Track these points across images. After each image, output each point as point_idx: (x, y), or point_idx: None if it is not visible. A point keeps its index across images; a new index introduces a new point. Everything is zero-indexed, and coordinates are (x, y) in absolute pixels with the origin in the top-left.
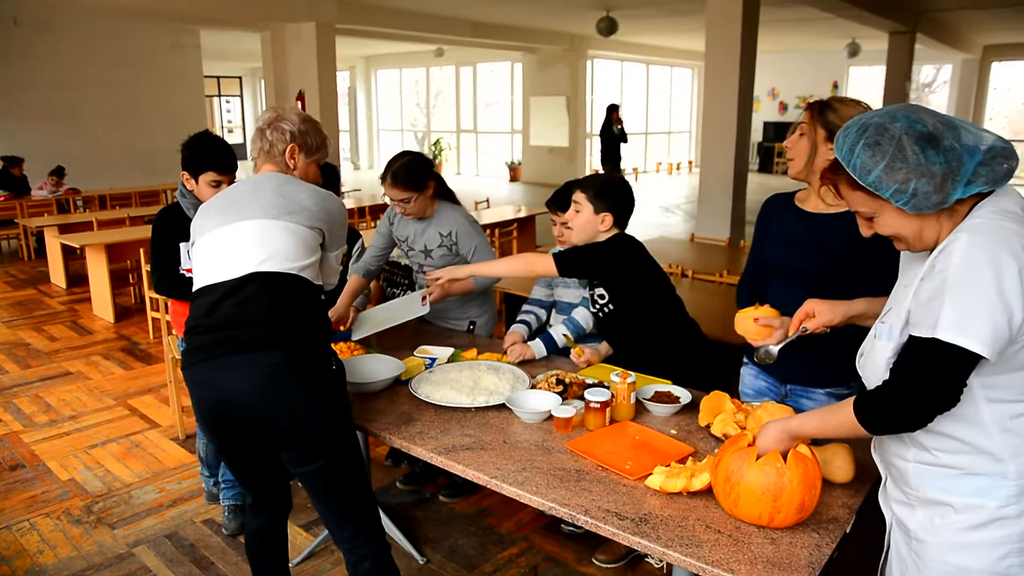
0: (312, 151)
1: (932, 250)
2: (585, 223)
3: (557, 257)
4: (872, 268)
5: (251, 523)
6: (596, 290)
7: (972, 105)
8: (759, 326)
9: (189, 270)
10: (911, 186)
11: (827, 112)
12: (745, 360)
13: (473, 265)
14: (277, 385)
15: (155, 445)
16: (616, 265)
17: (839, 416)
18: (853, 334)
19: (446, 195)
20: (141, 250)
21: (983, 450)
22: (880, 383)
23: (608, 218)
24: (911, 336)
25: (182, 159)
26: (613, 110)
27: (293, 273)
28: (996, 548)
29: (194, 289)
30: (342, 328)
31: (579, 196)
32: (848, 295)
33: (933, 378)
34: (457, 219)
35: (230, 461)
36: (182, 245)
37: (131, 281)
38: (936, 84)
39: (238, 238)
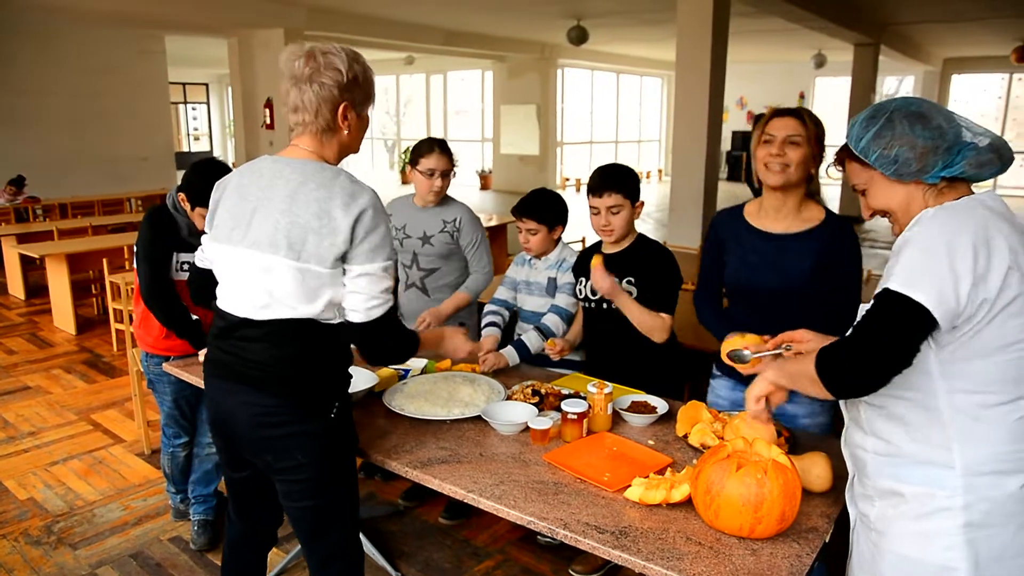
0: (364, 102)
1: None
2: (627, 220)
3: (660, 306)
4: (836, 289)
5: (230, 533)
6: (622, 285)
7: None
8: (752, 353)
9: (182, 282)
10: (893, 152)
11: None
12: (717, 372)
13: (630, 303)
14: (266, 428)
15: (119, 461)
16: (672, 268)
17: (805, 369)
18: None
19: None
20: (104, 260)
21: (933, 438)
22: (914, 400)
23: (641, 205)
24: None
25: (184, 180)
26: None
27: (296, 318)
28: (940, 539)
29: (216, 299)
30: None
31: (615, 198)
32: (809, 315)
33: (884, 330)
34: (463, 209)
35: (228, 469)
36: (175, 254)
37: (94, 292)
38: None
39: (242, 270)
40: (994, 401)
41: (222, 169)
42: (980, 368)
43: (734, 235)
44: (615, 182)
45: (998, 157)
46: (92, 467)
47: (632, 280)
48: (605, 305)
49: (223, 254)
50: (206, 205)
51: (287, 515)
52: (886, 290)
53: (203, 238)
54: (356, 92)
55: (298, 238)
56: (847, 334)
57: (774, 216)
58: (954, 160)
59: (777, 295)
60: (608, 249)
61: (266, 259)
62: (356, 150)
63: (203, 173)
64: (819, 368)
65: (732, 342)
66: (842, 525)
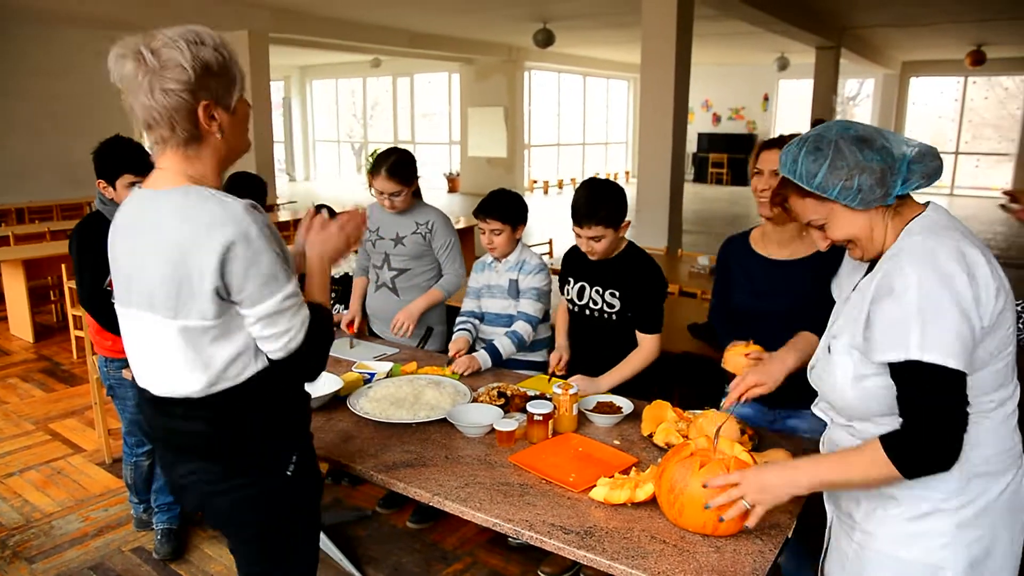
0: (229, 89)
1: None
2: (608, 244)
3: (650, 327)
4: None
5: None
6: (605, 296)
7: (893, 117)
8: (750, 360)
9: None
10: (855, 181)
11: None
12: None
13: (615, 373)
14: (209, 497)
15: (79, 471)
16: (659, 284)
17: (862, 460)
18: None
19: (419, 196)
20: (63, 266)
21: None
22: (897, 423)
23: (626, 225)
24: (894, 363)
25: (95, 167)
26: None
27: (205, 394)
28: (933, 539)
29: None
30: (351, 332)
31: (597, 230)
32: (815, 331)
33: (944, 402)
34: (436, 213)
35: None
36: None
37: (52, 298)
38: (860, 97)
39: (135, 334)
40: (987, 407)
41: (124, 141)
42: (978, 380)
43: (738, 261)
44: (596, 214)
45: (935, 159)
46: (50, 478)
47: (616, 293)
48: (588, 312)
49: (120, 317)
50: (123, 173)
51: (238, 571)
52: (920, 364)
53: None
54: (213, 83)
55: (170, 290)
56: (906, 419)
57: (777, 242)
58: (909, 176)
59: (782, 318)
60: (595, 258)
61: (148, 319)
62: (244, 148)
63: (105, 149)
64: (896, 459)
65: (737, 349)
66: (804, 519)
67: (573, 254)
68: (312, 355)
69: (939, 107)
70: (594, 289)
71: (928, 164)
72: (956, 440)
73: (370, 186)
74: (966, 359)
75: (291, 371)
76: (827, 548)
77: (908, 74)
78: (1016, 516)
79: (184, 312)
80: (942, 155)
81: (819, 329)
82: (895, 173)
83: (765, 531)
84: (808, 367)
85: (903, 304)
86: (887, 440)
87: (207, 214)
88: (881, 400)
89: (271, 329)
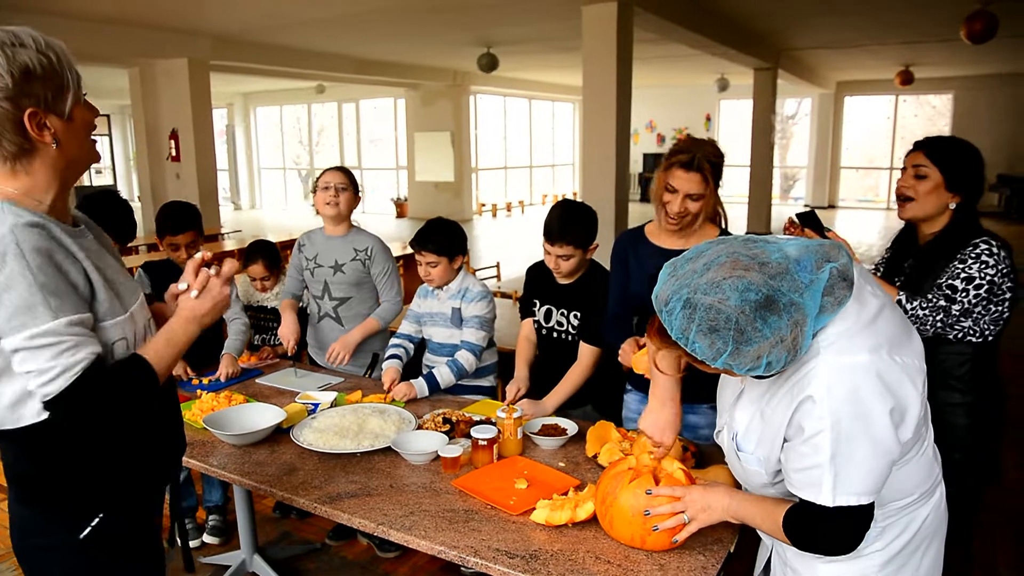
0: (60, 94)
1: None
2: (575, 264)
3: (589, 337)
4: None
5: None
6: (569, 318)
7: (831, 135)
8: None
9: None
10: (763, 360)
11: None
12: (629, 387)
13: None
14: (16, 543)
15: None
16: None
17: (774, 519)
18: None
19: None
20: None
21: None
22: (799, 507)
23: (592, 248)
24: (804, 500)
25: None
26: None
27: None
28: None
29: None
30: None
31: (567, 249)
32: None
33: (846, 532)
34: (375, 239)
35: None
36: None
37: None
38: (799, 116)
39: None
40: (909, 457)
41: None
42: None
43: (635, 253)
44: (567, 234)
45: (845, 282)
46: None
47: (578, 314)
48: (555, 335)
49: None
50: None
51: None
52: (834, 507)
53: None
54: (37, 88)
55: None
56: (806, 522)
57: (674, 237)
58: (821, 312)
59: None
60: (562, 281)
61: None
62: (89, 158)
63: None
64: (791, 537)
65: (640, 354)
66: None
67: (538, 275)
68: (85, 411)
69: (873, 125)
70: (560, 312)
71: (839, 292)
72: (854, 543)
73: (314, 204)
74: (880, 487)
75: (65, 422)
76: (770, 571)
77: (843, 93)
78: (941, 529)
79: None
80: (877, 170)
81: None
82: (805, 325)
83: (708, 546)
84: (715, 432)
85: (817, 449)
86: (790, 519)
87: None
88: None
89: (25, 366)
